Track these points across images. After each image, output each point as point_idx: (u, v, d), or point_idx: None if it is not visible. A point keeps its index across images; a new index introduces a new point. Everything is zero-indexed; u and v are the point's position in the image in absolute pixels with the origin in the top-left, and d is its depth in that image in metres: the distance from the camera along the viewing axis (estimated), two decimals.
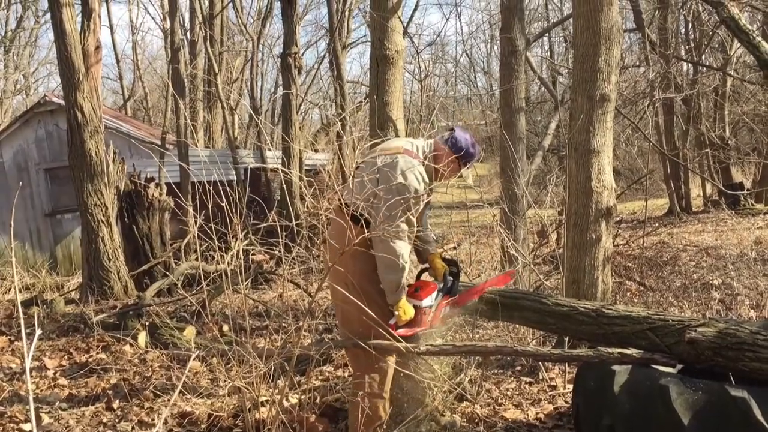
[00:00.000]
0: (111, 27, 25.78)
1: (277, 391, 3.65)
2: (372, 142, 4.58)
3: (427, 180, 3.33)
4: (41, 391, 5.01)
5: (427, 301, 3.37)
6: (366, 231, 3.19)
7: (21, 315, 1.99)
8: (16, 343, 6.50)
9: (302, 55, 14.66)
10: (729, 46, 14.12)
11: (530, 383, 4.43)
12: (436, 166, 3.41)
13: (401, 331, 3.30)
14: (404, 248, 3.22)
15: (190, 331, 5.71)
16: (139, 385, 4.87)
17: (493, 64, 33.72)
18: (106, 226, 8.91)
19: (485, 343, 3.42)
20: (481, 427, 3.75)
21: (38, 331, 1.97)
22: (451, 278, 3.49)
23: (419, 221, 3.46)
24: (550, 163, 18.02)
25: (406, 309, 3.29)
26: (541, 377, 4.46)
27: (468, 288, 3.73)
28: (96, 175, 8.90)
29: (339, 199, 3.39)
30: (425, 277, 3.66)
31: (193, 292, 6.94)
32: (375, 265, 3.33)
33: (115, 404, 4.52)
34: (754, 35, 3.67)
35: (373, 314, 3.18)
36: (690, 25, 15.84)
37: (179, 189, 12.78)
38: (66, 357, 5.92)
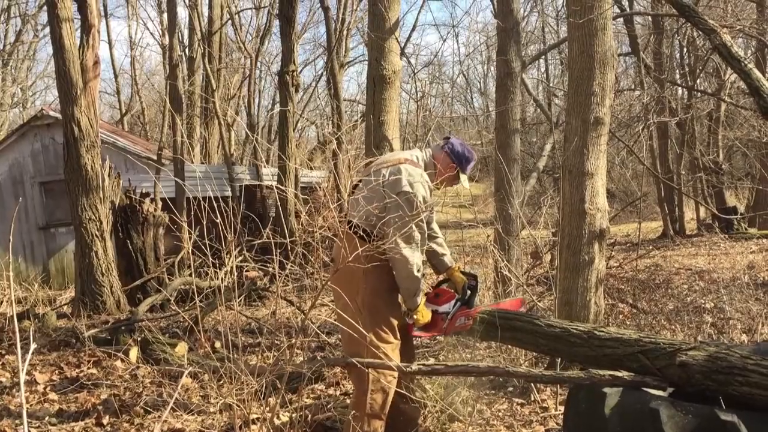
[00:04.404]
0: (110, 42, 25.91)
1: (268, 408, 3.64)
2: (368, 161, 4.61)
3: (432, 188, 3.39)
4: (31, 405, 4.97)
5: (445, 307, 3.52)
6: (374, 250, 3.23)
7: (17, 329, 1.99)
8: (6, 357, 6.47)
9: (300, 73, 14.73)
10: (723, 72, 14.28)
11: (522, 404, 4.42)
12: (438, 175, 3.49)
13: (417, 333, 3.49)
14: (416, 257, 3.31)
15: (182, 347, 5.70)
16: (130, 401, 4.84)
17: (489, 85, 34.00)
18: (100, 241, 8.89)
19: (477, 364, 3.42)
20: None
21: (33, 346, 1.98)
22: (470, 291, 3.57)
23: (429, 231, 3.54)
24: (545, 185, 18.09)
25: (423, 313, 3.43)
26: (533, 398, 4.46)
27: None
28: (91, 190, 8.90)
29: (346, 219, 3.42)
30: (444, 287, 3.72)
31: (186, 308, 6.92)
32: (388, 283, 3.40)
33: (106, 420, 4.49)
34: (746, 62, 3.71)
35: (381, 333, 3.29)
36: (684, 50, 16.01)
37: (174, 204, 12.73)
38: (57, 371, 5.88)
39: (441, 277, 3.77)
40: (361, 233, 3.34)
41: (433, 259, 3.71)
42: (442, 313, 3.49)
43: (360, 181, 3.51)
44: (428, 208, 3.40)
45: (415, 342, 3.94)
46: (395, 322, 3.42)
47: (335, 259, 3.45)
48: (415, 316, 3.41)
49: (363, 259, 3.15)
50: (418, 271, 3.31)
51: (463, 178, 3.60)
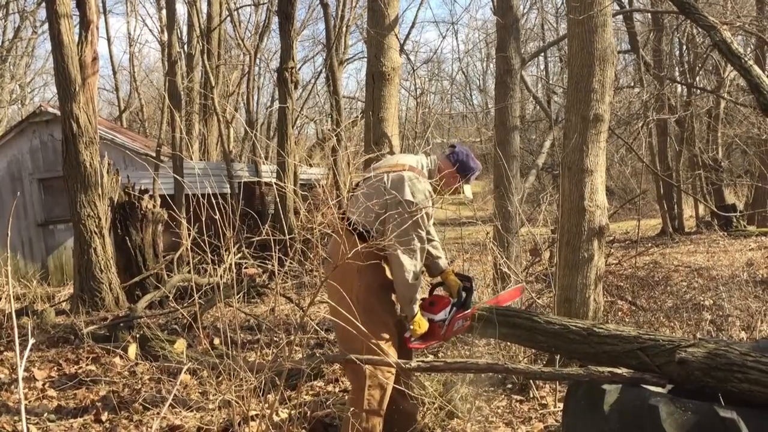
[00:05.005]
0: (108, 38, 26.07)
1: (267, 405, 3.64)
2: (367, 157, 4.60)
3: (434, 196, 3.39)
4: (29, 402, 4.97)
5: (441, 315, 3.46)
6: (372, 247, 3.22)
7: (15, 325, 1.99)
8: (5, 353, 6.46)
9: (299, 69, 14.72)
10: (722, 69, 14.27)
11: (521, 401, 4.43)
12: (440, 182, 3.48)
13: (415, 344, 3.42)
14: (415, 264, 3.29)
15: (180, 344, 5.70)
16: (129, 398, 4.84)
17: (488, 82, 33.92)
18: (99, 237, 8.89)
19: (476, 361, 3.41)
20: None
21: (31, 342, 1.97)
22: (465, 293, 3.54)
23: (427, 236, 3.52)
24: (544, 182, 18.08)
25: (420, 323, 3.39)
26: (532, 395, 4.46)
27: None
28: (90, 186, 8.89)
29: (344, 217, 3.41)
30: (439, 291, 3.70)
31: (185, 304, 6.90)
32: (381, 280, 3.40)
33: (104, 416, 4.49)
34: (746, 59, 3.70)
35: (375, 330, 3.27)
36: (684, 47, 16.00)
37: (173, 201, 12.72)
38: (55, 368, 5.89)
39: (435, 281, 3.76)
40: (360, 230, 3.34)
41: (427, 261, 3.70)
42: (438, 321, 3.46)
43: (362, 180, 3.51)
44: (428, 215, 3.40)
45: None
46: (390, 319, 3.42)
47: (331, 255, 3.45)
48: (411, 327, 3.38)
49: (360, 256, 3.14)
50: (416, 278, 3.30)
51: (466, 187, 3.60)
